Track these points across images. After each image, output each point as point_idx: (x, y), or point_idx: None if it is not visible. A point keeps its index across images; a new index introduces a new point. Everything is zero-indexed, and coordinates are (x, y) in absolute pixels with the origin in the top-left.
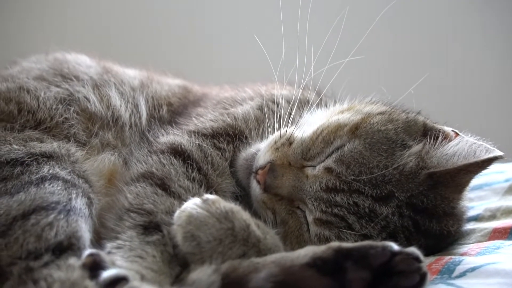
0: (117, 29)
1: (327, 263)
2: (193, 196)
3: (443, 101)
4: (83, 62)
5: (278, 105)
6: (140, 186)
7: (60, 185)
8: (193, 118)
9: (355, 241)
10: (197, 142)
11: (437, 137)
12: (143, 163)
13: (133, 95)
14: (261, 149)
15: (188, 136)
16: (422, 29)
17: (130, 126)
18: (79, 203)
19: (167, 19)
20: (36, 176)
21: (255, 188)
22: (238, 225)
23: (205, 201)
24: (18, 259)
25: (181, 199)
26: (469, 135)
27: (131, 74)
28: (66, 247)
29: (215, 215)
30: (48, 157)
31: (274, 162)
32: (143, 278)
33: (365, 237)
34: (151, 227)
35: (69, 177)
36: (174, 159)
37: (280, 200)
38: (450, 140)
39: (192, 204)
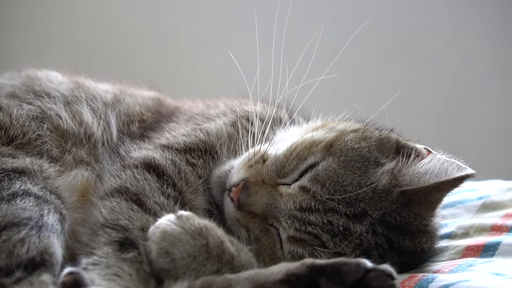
0: (96, 43)
1: (300, 279)
2: (168, 212)
3: (416, 118)
4: (55, 79)
5: (251, 123)
6: (115, 201)
7: (31, 201)
8: (166, 132)
9: (329, 258)
10: (170, 157)
11: (410, 155)
12: (117, 178)
13: (105, 111)
14: (234, 167)
15: (161, 151)
16: (394, 47)
17: (103, 143)
18: (51, 219)
19: (142, 35)
20: (8, 192)
21: (229, 206)
22: (212, 241)
23: (179, 217)
24: None
25: (156, 216)
26: (441, 153)
27: (104, 88)
28: (38, 263)
29: (189, 232)
30: (20, 172)
31: (248, 179)
32: None
33: (339, 255)
34: (127, 243)
35: (41, 193)
36: (148, 175)
37: (254, 218)
38: (422, 158)
39: (166, 221)
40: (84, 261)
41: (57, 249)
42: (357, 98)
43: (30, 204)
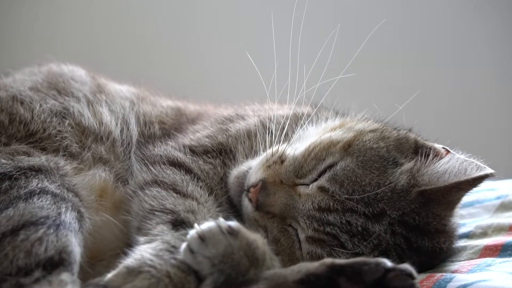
0: (109, 45)
1: (320, 279)
2: (206, 202)
3: (435, 118)
4: (79, 78)
5: (269, 123)
6: (156, 190)
7: (49, 199)
8: (190, 134)
9: (347, 258)
10: (189, 156)
11: (428, 155)
12: (148, 173)
13: (124, 112)
14: (252, 167)
15: (184, 151)
16: (413, 47)
17: (122, 143)
18: (68, 217)
19: (158, 36)
20: (25, 191)
21: (247, 206)
22: (261, 259)
23: (232, 233)
24: (8, 275)
25: (198, 201)
26: (460, 152)
27: (123, 93)
28: (57, 263)
29: (242, 249)
30: (37, 170)
31: (266, 180)
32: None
33: (358, 255)
34: (178, 224)
35: (58, 191)
36: (175, 169)
37: (272, 218)
38: (441, 158)
39: (219, 233)
40: (142, 239)
41: (75, 248)
42: (376, 97)
43: (47, 202)
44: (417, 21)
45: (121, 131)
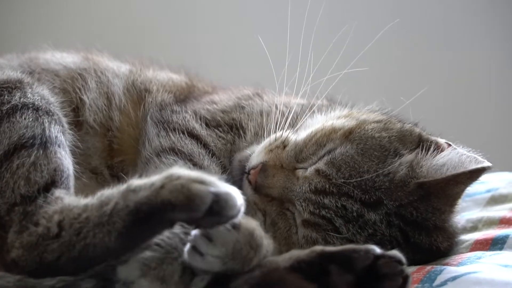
0: (118, 27)
1: (310, 266)
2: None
3: (442, 113)
4: (60, 55)
5: (286, 108)
6: (172, 158)
7: (30, 115)
8: (206, 104)
9: (342, 245)
10: (204, 130)
11: (430, 148)
12: (167, 139)
13: (115, 82)
14: (255, 151)
15: (200, 123)
16: (424, 44)
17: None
18: (53, 131)
19: (168, 19)
20: (7, 107)
21: (247, 188)
22: (260, 244)
23: (234, 224)
24: (14, 205)
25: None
26: (461, 147)
27: (118, 64)
28: (51, 184)
29: (251, 245)
30: (22, 82)
31: (267, 163)
32: None
33: (351, 242)
34: None
35: (40, 104)
36: (193, 141)
37: (271, 201)
38: (442, 151)
39: (224, 229)
40: None
41: (65, 161)
42: (385, 91)
43: (30, 119)
44: (430, 19)
45: (99, 109)
